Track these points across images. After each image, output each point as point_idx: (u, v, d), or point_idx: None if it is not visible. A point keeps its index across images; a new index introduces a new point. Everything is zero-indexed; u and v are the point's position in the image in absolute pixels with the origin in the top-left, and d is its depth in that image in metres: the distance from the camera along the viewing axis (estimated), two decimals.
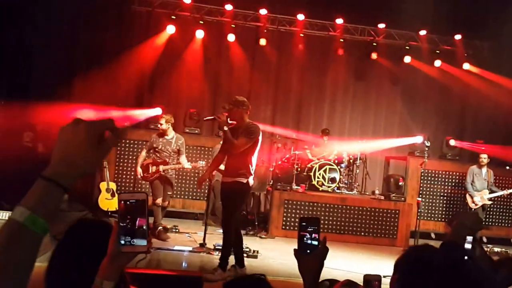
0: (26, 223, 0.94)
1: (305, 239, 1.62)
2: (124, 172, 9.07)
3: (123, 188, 8.93)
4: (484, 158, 8.92)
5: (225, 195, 5.65)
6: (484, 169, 8.95)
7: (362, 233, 8.70)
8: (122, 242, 1.27)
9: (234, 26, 10.27)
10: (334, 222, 8.64)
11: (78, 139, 1.00)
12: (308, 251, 1.62)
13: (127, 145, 9.09)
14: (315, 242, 1.62)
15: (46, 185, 0.98)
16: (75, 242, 1.60)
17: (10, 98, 8.23)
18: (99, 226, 1.66)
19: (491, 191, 8.88)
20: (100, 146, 1.02)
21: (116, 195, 8.53)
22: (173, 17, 10.02)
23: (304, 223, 1.64)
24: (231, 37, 10.27)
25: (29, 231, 0.94)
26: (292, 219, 8.57)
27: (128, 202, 1.29)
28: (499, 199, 9.43)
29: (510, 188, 9.18)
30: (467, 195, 8.94)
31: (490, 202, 8.97)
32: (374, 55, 10.75)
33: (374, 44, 10.73)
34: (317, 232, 1.63)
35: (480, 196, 8.77)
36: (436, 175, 9.69)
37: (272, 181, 8.91)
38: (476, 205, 8.79)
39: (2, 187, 7.31)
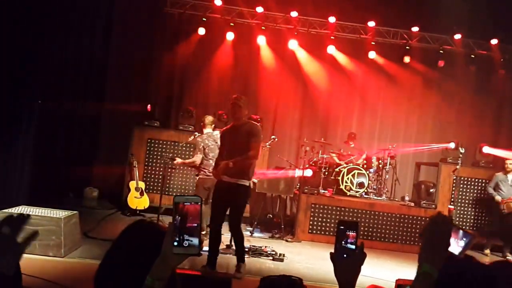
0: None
1: (342, 243, 1.58)
2: (153, 172, 9.17)
3: (151, 186, 9.03)
4: (510, 164, 8.62)
5: (232, 196, 5.44)
6: (510, 175, 8.65)
7: (390, 240, 8.53)
8: (175, 243, 1.31)
9: (264, 28, 10.27)
10: (362, 228, 8.50)
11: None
12: (345, 255, 1.58)
13: (156, 145, 9.20)
14: (353, 247, 1.58)
15: None
16: (129, 243, 1.61)
17: (45, 99, 8.44)
18: (153, 229, 1.67)
19: None
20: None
21: (145, 194, 8.65)
22: (204, 19, 10.10)
23: (342, 227, 1.59)
24: (261, 40, 10.27)
25: None
26: (319, 223, 8.48)
27: (182, 205, 1.34)
28: None
29: None
30: (495, 199, 8.65)
31: None
32: (407, 59, 10.56)
33: (407, 47, 10.54)
34: (356, 236, 1.58)
35: (506, 204, 8.47)
36: (469, 183, 9.40)
37: (299, 184, 8.85)
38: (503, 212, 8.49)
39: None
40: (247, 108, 5.60)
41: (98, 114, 10.08)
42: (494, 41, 10.31)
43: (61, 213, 5.57)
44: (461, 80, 10.61)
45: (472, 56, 10.49)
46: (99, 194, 9.61)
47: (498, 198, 8.51)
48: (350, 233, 1.58)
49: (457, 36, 10.35)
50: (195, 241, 1.32)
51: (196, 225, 1.33)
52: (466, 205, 9.39)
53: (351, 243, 1.58)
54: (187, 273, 3.50)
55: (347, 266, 1.57)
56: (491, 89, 10.59)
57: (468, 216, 9.42)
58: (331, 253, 1.59)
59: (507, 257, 8.40)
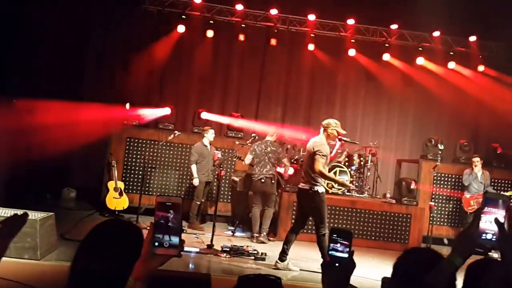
0: None
1: (334, 251, 1.56)
2: (133, 171, 9.01)
3: (130, 186, 8.87)
4: (476, 161, 8.80)
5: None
6: (480, 172, 8.79)
7: (373, 237, 8.54)
8: (156, 244, 1.31)
9: (244, 26, 10.19)
10: (344, 226, 8.48)
11: None
12: (337, 264, 1.54)
13: (135, 144, 9.04)
14: (345, 255, 1.56)
15: None
16: (97, 242, 1.60)
17: (21, 97, 8.23)
18: (122, 227, 1.68)
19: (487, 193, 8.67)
20: None
21: (124, 194, 8.49)
22: (183, 16, 9.97)
23: (335, 235, 1.57)
24: (241, 37, 10.20)
25: None
26: None
27: (164, 205, 1.34)
28: None
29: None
30: (463, 198, 8.80)
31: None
32: (386, 56, 10.60)
33: (387, 45, 10.58)
34: (349, 246, 1.56)
35: (475, 200, 8.61)
36: (450, 179, 9.49)
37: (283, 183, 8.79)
38: (472, 208, 8.64)
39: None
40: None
41: (75, 112, 9.86)
42: (472, 38, 10.42)
43: (37, 215, 5.45)
44: (439, 77, 10.69)
45: (451, 53, 10.59)
46: (77, 195, 9.43)
47: (468, 209, 8.72)
48: (343, 241, 1.56)
49: (436, 33, 10.43)
50: (176, 241, 1.31)
51: (177, 225, 1.32)
52: (447, 201, 9.47)
53: (343, 252, 1.55)
54: (165, 274, 3.41)
55: (337, 274, 1.55)
56: (470, 86, 10.69)
57: (449, 213, 9.51)
58: (323, 262, 1.57)
59: (489, 253, 8.48)
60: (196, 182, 8.19)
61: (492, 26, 9.77)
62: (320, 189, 5.98)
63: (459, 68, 10.68)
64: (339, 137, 6.19)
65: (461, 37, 10.48)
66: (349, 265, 1.56)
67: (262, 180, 7.77)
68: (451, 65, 10.63)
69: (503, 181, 9.52)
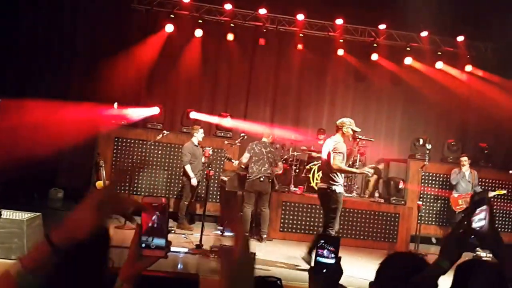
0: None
1: (321, 257, 1.58)
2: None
3: (118, 187, 8.78)
4: (464, 160, 8.89)
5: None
6: (468, 171, 8.88)
7: (362, 237, 8.57)
8: (143, 245, 1.29)
9: (233, 25, 10.17)
10: None
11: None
12: (324, 270, 1.54)
13: (124, 144, 8.97)
14: (332, 261, 1.57)
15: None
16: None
17: (6, 96, 8.11)
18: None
19: (475, 193, 8.77)
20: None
21: None
22: (171, 15, 9.92)
23: (322, 241, 1.58)
24: (230, 37, 10.17)
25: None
26: (290, 221, 8.44)
27: (150, 205, 1.32)
28: None
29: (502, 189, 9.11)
30: (451, 198, 8.88)
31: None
32: (374, 56, 10.64)
33: (375, 45, 10.63)
34: (336, 252, 1.58)
35: (464, 199, 8.69)
36: (438, 178, 9.56)
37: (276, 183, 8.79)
38: (460, 207, 8.72)
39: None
40: None
41: (63, 112, 9.75)
42: (460, 38, 10.50)
43: (23, 215, 5.41)
44: (428, 77, 10.76)
45: (439, 53, 10.67)
46: (64, 195, 9.33)
47: (456, 208, 8.80)
48: (330, 247, 1.57)
49: (424, 33, 10.50)
50: (162, 243, 1.30)
51: (163, 226, 1.31)
52: (435, 201, 9.54)
53: (331, 258, 1.56)
54: (153, 274, 3.39)
55: (324, 281, 1.55)
56: (458, 86, 10.78)
57: (437, 212, 9.58)
58: (310, 268, 1.59)
59: (477, 252, 8.56)
60: (194, 182, 8.16)
61: (479, 26, 9.86)
62: (338, 189, 6.09)
63: (447, 68, 10.75)
64: (355, 135, 6.25)
65: (449, 37, 10.57)
66: (336, 271, 1.57)
67: (261, 179, 7.71)
68: (439, 65, 10.71)
69: (490, 181, 9.62)
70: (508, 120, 10.13)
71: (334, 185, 6.04)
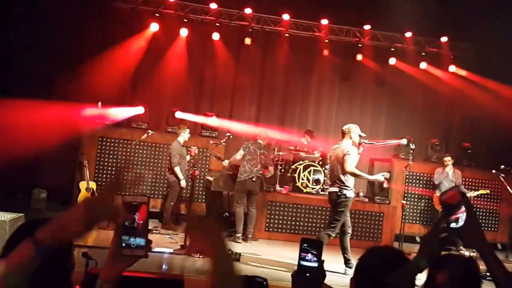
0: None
1: (304, 261, 1.59)
2: (105, 171, 8.86)
3: (103, 187, 8.70)
4: (447, 160, 9.00)
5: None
6: (451, 171, 9.00)
7: None
8: (123, 245, 1.29)
9: (218, 24, 10.14)
10: (318, 225, 8.54)
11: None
12: (307, 274, 1.56)
13: (108, 144, 8.89)
14: (315, 264, 1.58)
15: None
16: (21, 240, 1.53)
17: None
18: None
19: None
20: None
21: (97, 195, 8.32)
22: (156, 14, 9.85)
23: (305, 245, 1.59)
24: (215, 36, 10.14)
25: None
26: (276, 221, 8.45)
27: (130, 205, 1.32)
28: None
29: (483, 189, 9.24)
30: (434, 197, 8.99)
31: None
32: (359, 57, 10.71)
33: (360, 45, 10.69)
34: (318, 255, 1.59)
35: None
36: (421, 178, 9.66)
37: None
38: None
39: None
40: None
41: (47, 111, 9.62)
42: (444, 39, 10.62)
43: (6, 216, 5.34)
44: (411, 77, 10.86)
45: (423, 53, 10.77)
46: (47, 195, 9.20)
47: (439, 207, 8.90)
48: (313, 251, 1.59)
49: (408, 34, 10.60)
50: (142, 242, 1.29)
51: (143, 226, 1.30)
52: (419, 200, 9.64)
53: (313, 261, 1.58)
54: (137, 275, 3.36)
55: (307, 284, 1.57)
56: (441, 86, 10.90)
57: (421, 211, 9.68)
58: (293, 272, 1.59)
59: (460, 251, 8.67)
60: (183, 183, 8.12)
61: (463, 27, 9.97)
62: (349, 193, 6.23)
63: (430, 69, 10.86)
64: (360, 140, 6.39)
65: (433, 38, 10.68)
66: (319, 275, 1.58)
67: (254, 179, 7.73)
68: (423, 65, 10.82)
69: (474, 180, 9.74)
70: (491, 120, 10.28)
71: (345, 189, 6.21)
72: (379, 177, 6.67)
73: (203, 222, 1.40)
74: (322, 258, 1.60)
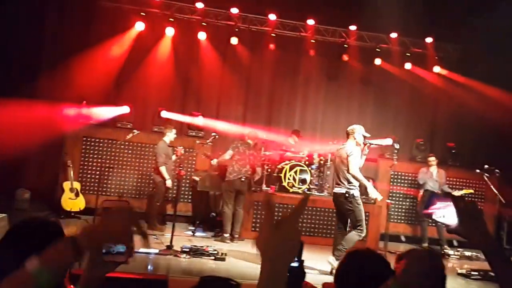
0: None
1: None
2: (90, 171, 8.76)
3: (87, 187, 8.62)
4: (432, 160, 9.13)
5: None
6: (435, 171, 9.11)
7: (332, 235, 8.61)
8: (104, 251, 1.27)
9: (205, 24, 10.09)
10: (304, 224, 8.56)
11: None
12: (288, 274, 1.55)
13: (92, 144, 8.79)
14: (296, 264, 1.55)
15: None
16: (16, 242, 1.57)
17: None
18: (42, 225, 1.64)
19: (443, 192, 9.04)
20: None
21: (81, 195, 8.24)
22: (142, 13, 9.76)
23: None
24: (202, 36, 10.09)
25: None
26: (262, 221, 8.43)
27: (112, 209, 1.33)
28: None
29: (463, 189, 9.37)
30: (419, 196, 9.08)
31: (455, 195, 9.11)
32: (345, 57, 10.75)
33: (345, 45, 10.74)
34: (299, 255, 1.56)
35: None
36: (406, 178, 9.73)
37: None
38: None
39: None
40: None
41: (30, 111, 9.48)
42: (429, 40, 10.72)
43: None
44: (397, 78, 10.95)
45: (408, 54, 10.86)
46: (31, 196, 9.06)
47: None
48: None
49: (393, 35, 10.68)
50: (123, 248, 1.29)
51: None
52: (404, 199, 9.72)
53: (294, 261, 1.54)
54: (122, 276, 3.33)
55: (287, 284, 1.57)
56: (426, 86, 11.01)
57: (406, 211, 9.76)
58: None
59: (445, 250, 8.77)
60: (169, 183, 8.07)
61: (447, 28, 10.08)
62: (356, 192, 6.27)
63: (415, 69, 10.96)
64: (365, 141, 6.40)
65: (418, 39, 10.77)
66: (299, 275, 1.57)
67: (242, 179, 7.75)
68: (408, 66, 10.91)
69: (458, 180, 9.86)
70: (475, 120, 10.42)
71: (352, 189, 6.28)
72: (378, 196, 6.49)
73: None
74: (302, 258, 1.59)
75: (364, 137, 6.43)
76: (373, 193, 6.46)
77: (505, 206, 8.41)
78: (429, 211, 8.51)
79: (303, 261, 1.58)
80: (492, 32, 8.92)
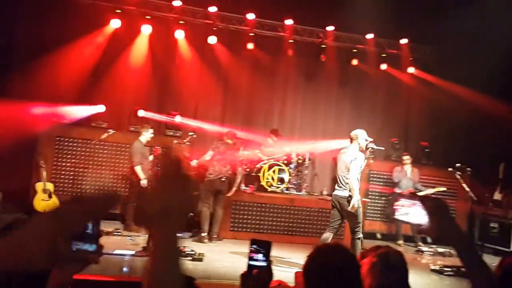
0: None
1: (254, 261, 1.62)
2: (63, 172, 8.57)
3: (61, 188, 8.43)
4: (406, 159, 9.31)
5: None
6: (409, 169, 9.28)
7: (310, 234, 8.67)
8: (73, 249, 1.23)
9: (182, 22, 9.98)
10: (283, 223, 8.58)
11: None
12: (256, 273, 1.60)
13: (66, 143, 8.60)
14: (264, 264, 1.61)
15: None
16: None
17: None
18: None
19: (417, 190, 9.20)
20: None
21: (54, 196, 8.05)
22: (117, 10, 9.58)
23: (254, 245, 1.63)
24: (179, 34, 9.97)
25: None
26: (240, 221, 8.42)
27: None
28: None
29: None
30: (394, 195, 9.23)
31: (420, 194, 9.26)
32: (323, 57, 10.81)
33: (323, 46, 10.80)
34: (267, 255, 1.62)
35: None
36: (382, 176, 9.86)
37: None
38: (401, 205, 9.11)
39: None
40: None
41: (1, 110, 9.22)
42: (403, 41, 10.88)
43: None
44: (373, 78, 11.08)
45: (384, 55, 11.00)
46: (2, 197, 8.82)
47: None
48: (262, 251, 1.62)
49: (370, 36, 10.79)
50: (93, 248, 1.26)
51: (95, 232, 1.27)
52: (380, 198, 9.84)
53: (262, 261, 1.61)
54: (94, 278, 3.26)
55: (256, 283, 1.59)
56: (401, 87, 11.17)
57: (381, 208, 9.88)
58: (242, 273, 1.62)
59: (419, 247, 8.92)
60: (145, 183, 7.95)
61: (421, 29, 10.24)
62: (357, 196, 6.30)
63: (391, 70, 11.11)
64: (368, 145, 6.51)
65: (393, 40, 10.92)
66: (267, 275, 1.60)
67: (223, 179, 7.73)
68: (384, 66, 11.05)
69: (431, 178, 10.04)
70: (448, 120, 10.63)
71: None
72: (355, 206, 6.31)
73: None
74: (271, 258, 1.62)
75: (367, 141, 6.54)
76: (354, 203, 6.32)
77: (477, 203, 8.59)
78: (394, 207, 8.69)
79: (271, 261, 1.60)
80: (464, 33, 9.11)
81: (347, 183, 6.35)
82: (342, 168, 6.48)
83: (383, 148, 8.04)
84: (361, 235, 6.40)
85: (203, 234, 7.62)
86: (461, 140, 10.49)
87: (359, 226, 6.36)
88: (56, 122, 8.54)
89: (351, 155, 6.41)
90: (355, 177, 6.30)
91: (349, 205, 6.30)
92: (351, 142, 6.57)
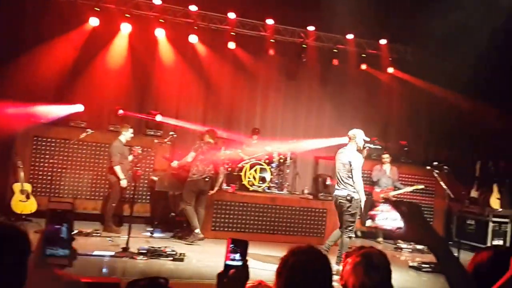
0: None
1: (231, 260, 1.64)
2: (41, 172, 8.42)
3: (39, 189, 8.28)
4: (385, 157, 9.48)
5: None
6: (388, 168, 9.42)
7: (292, 233, 8.72)
8: (48, 253, 1.28)
9: (163, 21, 9.89)
10: (264, 222, 8.59)
11: None
12: (232, 272, 1.62)
13: (43, 143, 8.46)
14: (240, 263, 1.63)
15: None
16: None
17: None
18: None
19: (396, 188, 9.34)
20: None
21: (32, 197, 7.91)
22: (96, 8, 9.45)
23: (232, 245, 1.65)
24: (160, 33, 9.88)
25: None
26: (222, 220, 8.41)
27: (54, 212, 1.34)
28: None
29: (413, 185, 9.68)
30: (373, 193, 9.35)
31: (394, 199, 9.39)
32: (304, 57, 10.86)
33: (304, 46, 10.84)
34: (244, 254, 1.64)
35: (385, 193, 9.21)
36: (362, 174, 9.92)
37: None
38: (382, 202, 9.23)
39: None
40: None
41: None
42: (383, 41, 11.01)
43: None
44: (353, 78, 11.17)
45: (364, 55, 11.10)
46: None
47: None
48: (239, 251, 1.64)
49: (350, 36, 10.89)
50: (66, 252, 1.32)
51: (67, 236, 1.33)
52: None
53: (238, 261, 1.63)
54: (70, 279, 3.21)
55: (231, 284, 1.59)
56: (380, 87, 11.30)
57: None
58: (219, 272, 1.63)
59: (398, 244, 9.03)
60: (124, 183, 7.87)
61: (401, 29, 10.38)
62: (356, 195, 6.40)
63: (371, 70, 11.24)
64: (365, 145, 6.58)
65: (373, 40, 11.04)
66: (243, 274, 1.62)
67: (206, 179, 7.71)
68: (364, 66, 11.16)
69: (410, 176, 10.20)
70: (426, 119, 10.81)
71: (354, 192, 6.43)
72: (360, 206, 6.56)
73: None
74: (247, 258, 1.64)
75: (364, 141, 6.61)
76: (361, 204, 6.55)
77: (454, 201, 8.75)
78: (372, 212, 8.78)
79: (247, 260, 1.60)
80: (441, 34, 9.27)
81: (346, 183, 6.45)
82: (340, 168, 6.56)
83: (380, 147, 8.13)
84: (352, 234, 6.50)
85: (196, 231, 7.54)
86: (439, 139, 10.67)
87: (352, 225, 6.48)
88: (34, 121, 8.38)
89: (348, 155, 6.48)
90: (359, 178, 6.42)
91: (347, 204, 6.38)
92: (348, 141, 6.63)
